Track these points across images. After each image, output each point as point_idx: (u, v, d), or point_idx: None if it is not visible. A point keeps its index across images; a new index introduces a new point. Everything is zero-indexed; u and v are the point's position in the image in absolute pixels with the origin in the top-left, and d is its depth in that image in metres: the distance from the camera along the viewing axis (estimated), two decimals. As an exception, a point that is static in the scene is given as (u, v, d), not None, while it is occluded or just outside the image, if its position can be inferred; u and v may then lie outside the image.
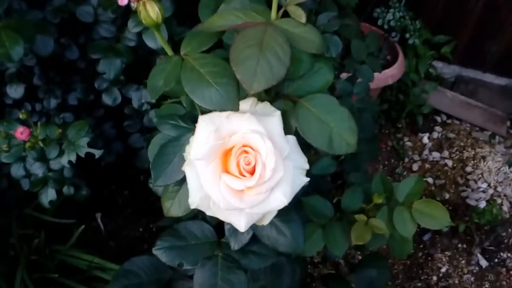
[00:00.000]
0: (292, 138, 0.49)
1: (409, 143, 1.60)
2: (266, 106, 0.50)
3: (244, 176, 0.46)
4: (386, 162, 1.55)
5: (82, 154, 0.77)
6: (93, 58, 0.88)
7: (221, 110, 0.46)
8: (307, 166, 0.49)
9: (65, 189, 0.85)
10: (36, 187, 0.81)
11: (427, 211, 0.63)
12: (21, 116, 0.75)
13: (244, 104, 0.50)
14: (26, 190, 0.86)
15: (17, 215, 1.04)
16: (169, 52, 0.50)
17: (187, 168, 0.48)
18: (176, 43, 0.50)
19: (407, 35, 1.29)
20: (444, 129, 1.66)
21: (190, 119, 0.55)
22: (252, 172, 0.46)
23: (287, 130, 0.49)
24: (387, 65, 1.39)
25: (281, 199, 0.46)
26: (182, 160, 0.51)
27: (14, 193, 0.99)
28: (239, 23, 0.45)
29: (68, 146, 0.77)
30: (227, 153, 0.48)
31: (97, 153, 0.77)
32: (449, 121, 1.69)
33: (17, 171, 0.83)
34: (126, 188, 1.31)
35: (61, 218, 1.05)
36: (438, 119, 1.69)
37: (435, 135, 1.64)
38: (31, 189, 0.83)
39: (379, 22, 1.30)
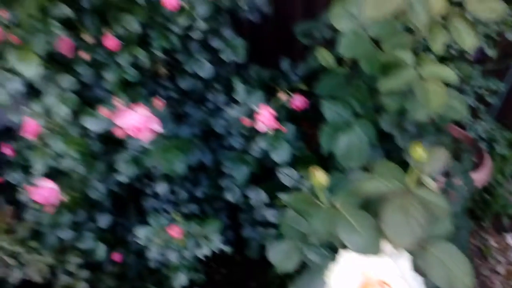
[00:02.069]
0: (418, 278, 0.63)
1: (493, 243, 1.64)
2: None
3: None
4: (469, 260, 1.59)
5: (215, 250, 0.95)
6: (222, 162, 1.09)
7: (362, 254, 0.62)
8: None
9: (192, 275, 1.03)
10: (172, 272, 0.99)
11: None
12: (173, 216, 0.95)
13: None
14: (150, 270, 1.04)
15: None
16: (324, 200, 0.67)
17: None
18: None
19: (495, 145, 1.40)
20: (531, 231, 1.69)
21: (329, 247, 0.71)
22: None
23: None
24: (473, 167, 1.49)
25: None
26: (322, 281, 0.67)
27: (137, 269, 1.19)
28: (384, 190, 0.62)
29: (204, 241, 0.96)
30: (365, 286, 0.62)
31: (228, 250, 0.95)
32: (536, 222, 1.72)
33: (153, 255, 1.03)
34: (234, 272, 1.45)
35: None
36: (525, 220, 1.72)
37: (521, 236, 1.67)
38: (166, 273, 1.01)
39: (468, 129, 1.43)
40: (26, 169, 1.16)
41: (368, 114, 0.98)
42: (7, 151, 1.17)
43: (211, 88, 1.10)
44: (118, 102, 0.82)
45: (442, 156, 0.61)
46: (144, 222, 1.18)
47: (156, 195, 1.15)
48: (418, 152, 0.58)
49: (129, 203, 1.19)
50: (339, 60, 1.08)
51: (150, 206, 1.16)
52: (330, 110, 0.96)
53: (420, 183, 0.62)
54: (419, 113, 0.88)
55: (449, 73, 0.82)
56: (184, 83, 1.04)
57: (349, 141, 0.91)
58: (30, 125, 0.84)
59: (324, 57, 1.05)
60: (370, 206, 0.63)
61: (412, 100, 0.87)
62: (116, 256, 1.13)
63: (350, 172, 0.93)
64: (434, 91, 0.79)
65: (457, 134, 1.63)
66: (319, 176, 0.62)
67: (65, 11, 0.83)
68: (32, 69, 0.79)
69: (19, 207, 1.12)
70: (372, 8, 0.71)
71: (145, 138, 0.82)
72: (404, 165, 0.99)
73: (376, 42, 0.91)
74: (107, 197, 1.05)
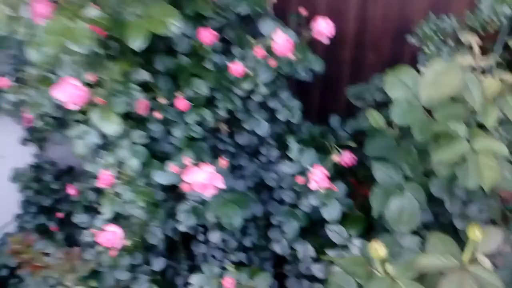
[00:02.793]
0: None
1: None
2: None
3: None
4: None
5: (264, 301, 1.00)
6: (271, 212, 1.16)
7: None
8: None
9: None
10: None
11: None
12: (227, 266, 1.01)
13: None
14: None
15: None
16: (380, 270, 0.71)
17: None
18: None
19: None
20: None
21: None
22: None
23: None
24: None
25: None
26: None
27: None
28: (440, 265, 0.66)
29: (254, 292, 1.01)
30: None
31: (277, 302, 0.99)
32: None
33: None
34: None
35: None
36: None
37: None
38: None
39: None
40: (87, 209, 1.27)
41: (418, 177, 1.03)
42: (71, 191, 1.28)
43: (264, 143, 1.18)
44: (187, 159, 0.91)
45: (497, 236, 0.65)
46: (193, 267, 1.25)
47: (206, 242, 1.22)
48: (474, 232, 0.63)
49: (180, 248, 1.27)
50: (389, 122, 1.14)
51: (200, 252, 1.23)
52: (381, 172, 1.01)
53: (474, 260, 0.66)
54: (470, 181, 0.92)
55: (501, 147, 0.85)
56: (241, 139, 1.13)
57: (401, 205, 0.95)
58: (105, 175, 0.94)
59: (375, 119, 1.11)
60: (426, 279, 0.68)
61: (463, 168, 0.91)
62: (165, 299, 1.19)
63: (400, 235, 0.97)
64: (487, 165, 0.83)
65: (504, 194, 1.63)
66: (379, 249, 0.67)
67: (144, 76, 0.94)
68: (112, 127, 0.89)
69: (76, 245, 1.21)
70: (430, 89, 0.77)
71: (209, 193, 0.90)
72: (454, 229, 1.02)
73: (429, 111, 0.96)
74: (162, 242, 1.13)
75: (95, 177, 1.22)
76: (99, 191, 1.26)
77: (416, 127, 0.94)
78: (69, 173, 1.46)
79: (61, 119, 1.09)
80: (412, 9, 1.46)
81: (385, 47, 1.59)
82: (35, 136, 1.34)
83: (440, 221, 1.07)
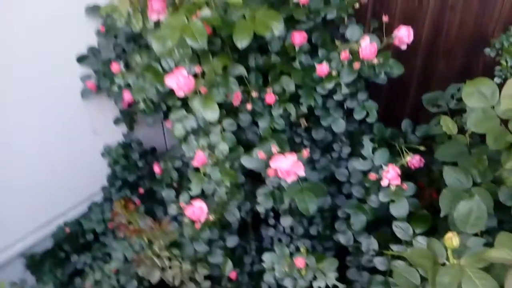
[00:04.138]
0: None
1: None
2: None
3: None
4: None
5: (330, 284, 1.11)
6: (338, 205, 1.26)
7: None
8: None
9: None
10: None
11: None
12: (302, 250, 1.12)
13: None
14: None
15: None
16: (451, 259, 0.80)
17: None
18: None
19: None
20: None
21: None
22: None
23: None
24: None
25: None
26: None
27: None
28: (507, 258, 0.74)
29: (321, 275, 1.12)
30: None
31: (342, 287, 1.10)
32: None
33: (270, 279, 1.21)
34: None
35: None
36: None
37: None
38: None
39: None
40: (168, 186, 1.44)
41: (487, 184, 1.10)
42: (156, 169, 1.45)
43: (337, 140, 1.29)
44: (274, 147, 1.03)
45: None
46: (261, 248, 1.38)
47: (275, 226, 1.35)
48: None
49: (250, 229, 1.40)
50: (460, 129, 1.21)
51: (269, 235, 1.36)
52: (451, 176, 1.09)
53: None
54: (540, 191, 0.98)
55: None
56: (317, 134, 1.24)
57: (469, 208, 1.03)
58: (200, 156, 1.08)
59: (447, 125, 1.19)
60: (493, 271, 0.76)
61: (534, 178, 0.98)
62: (233, 274, 1.33)
63: (465, 236, 1.05)
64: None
65: None
66: (453, 238, 0.76)
67: (241, 71, 1.07)
68: (212, 114, 1.03)
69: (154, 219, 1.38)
70: (509, 102, 0.85)
71: (290, 180, 1.02)
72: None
73: (505, 121, 1.03)
74: (237, 222, 1.26)
75: (179, 158, 1.39)
76: (180, 171, 1.43)
77: (491, 136, 1.01)
78: (152, 153, 1.64)
79: (160, 104, 1.25)
80: (489, 21, 1.51)
81: (458, 56, 1.64)
82: (127, 117, 1.52)
83: (504, 228, 1.13)
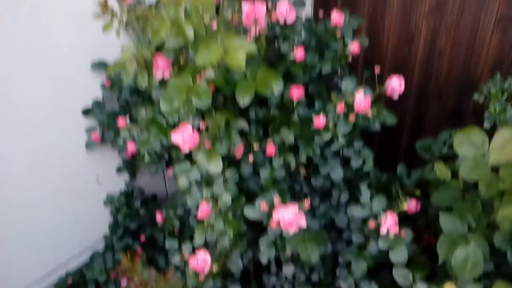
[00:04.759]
0: None
1: None
2: None
3: None
4: None
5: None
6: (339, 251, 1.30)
7: None
8: None
9: None
10: None
11: None
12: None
13: None
14: None
15: None
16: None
17: None
18: None
19: None
20: None
21: None
22: None
23: None
24: None
25: None
26: None
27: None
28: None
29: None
30: None
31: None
32: None
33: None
34: None
35: None
36: None
37: None
38: None
39: None
40: (170, 234, 1.47)
41: (482, 229, 1.14)
42: (158, 218, 1.48)
43: (336, 186, 1.34)
44: (276, 198, 1.08)
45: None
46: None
47: (277, 274, 1.37)
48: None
49: (252, 277, 1.43)
50: (454, 174, 1.27)
51: (271, 283, 1.38)
52: (447, 223, 1.14)
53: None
54: (533, 237, 1.03)
55: None
56: (316, 182, 1.29)
57: (465, 254, 1.07)
58: (204, 208, 1.13)
59: (441, 171, 1.25)
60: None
61: (526, 224, 1.02)
62: (236, 323, 1.34)
63: (463, 281, 1.08)
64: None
65: None
66: (451, 289, 0.80)
67: (243, 124, 1.13)
68: (216, 167, 1.08)
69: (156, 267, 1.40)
70: (498, 154, 0.91)
71: (292, 230, 1.06)
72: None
73: (496, 168, 1.09)
74: (240, 270, 1.29)
75: (181, 205, 1.42)
76: (182, 219, 1.47)
77: (483, 183, 1.07)
78: (153, 200, 1.68)
79: (163, 155, 1.30)
80: (476, 66, 1.60)
81: (449, 99, 1.73)
82: (130, 166, 1.56)
83: (501, 272, 1.17)
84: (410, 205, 1.31)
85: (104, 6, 1.03)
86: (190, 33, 0.91)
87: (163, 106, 0.99)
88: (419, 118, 1.84)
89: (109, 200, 1.57)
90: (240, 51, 0.89)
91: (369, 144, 1.32)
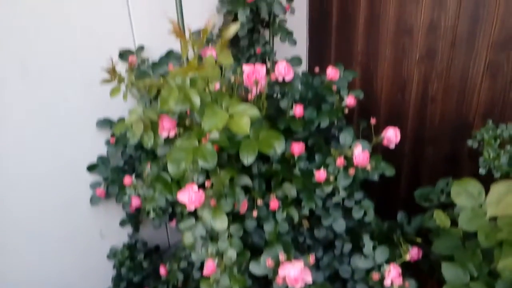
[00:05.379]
0: None
1: None
2: None
3: None
4: None
5: None
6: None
7: None
8: None
9: None
10: None
11: None
12: None
13: None
14: None
15: None
16: None
17: None
18: None
19: None
20: None
21: None
22: None
23: None
24: None
25: None
26: None
27: None
28: None
29: None
30: None
31: None
32: None
33: None
34: None
35: None
36: None
37: None
38: None
39: None
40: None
41: (484, 277, 1.17)
42: (162, 271, 1.50)
43: (338, 237, 1.37)
44: (281, 255, 1.11)
45: None
46: None
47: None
48: None
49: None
50: (454, 221, 1.30)
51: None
52: (449, 272, 1.17)
53: None
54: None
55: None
56: (319, 233, 1.32)
57: (469, 304, 1.10)
58: (210, 265, 1.15)
59: (441, 219, 1.28)
60: None
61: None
62: None
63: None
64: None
65: None
66: None
67: (247, 181, 1.17)
68: (222, 224, 1.11)
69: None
70: (494, 209, 0.95)
71: (298, 286, 1.08)
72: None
73: (495, 217, 1.13)
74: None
75: (184, 258, 1.44)
76: (185, 271, 1.48)
77: (482, 233, 1.11)
78: (156, 251, 1.69)
79: (167, 209, 1.33)
80: (469, 110, 1.66)
81: (444, 143, 1.78)
82: (133, 219, 1.59)
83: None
84: (412, 252, 1.33)
85: (113, 73, 1.08)
86: (196, 100, 0.96)
87: (171, 169, 1.03)
88: (416, 162, 1.89)
89: (113, 254, 1.58)
90: (244, 117, 0.94)
91: (367, 189, 1.36)
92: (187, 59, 1.06)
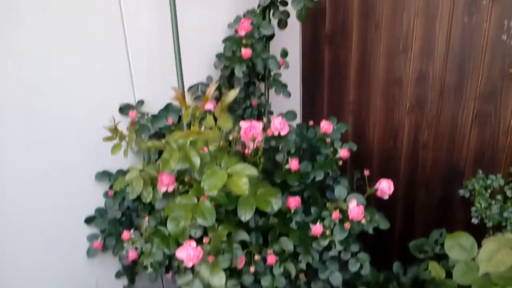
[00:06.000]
0: None
1: None
2: None
3: None
4: None
5: None
6: None
7: None
8: None
9: None
10: None
11: None
12: None
13: None
14: None
15: None
16: None
17: None
18: None
19: None
20: None
21: None
22: None
23: None
24: None
25: None
26: None
27: None
28: None
29: None
30: None
31: None
32: None
33: None
34: None
35: None
36: None
37: None
38: None
39: None
40: None
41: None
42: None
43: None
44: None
45: None
46: None
47: None
48: None
49: None
50: (449, 272, 1.33)
51: None
52: (447, 326, 1.18)
53: None
54: None
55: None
56: (316, 286, 1.34)
57: None
58: (208, 321, 1.16)
59: (436, 270, 1.31)
60: None
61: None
62: None
63: None
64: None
65: None
66: None
67: (244, 236, 1.20)
68: (219, 280, 1.13)
69: None
70: (486, 266, 0.98)
71: None
72: None
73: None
74: None
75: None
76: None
77: (476, 287, 1.13)
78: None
79: (164, 263, 1.34)
80: (460, 157, 1.71)
81: (436, 188, 1.82)
82: (129, 271, 1.59)
83: None
84: (409, 304, 1.35)
85: (114, 131, 1.12)
86: (196, 160, 1.00)
87: (170, 227, 1.05)
88: (409, 207, 1.92)
89: (108, 306, 1.58)
90: (242, 177, 0.98)
91: (362, 235, 1.38)
92: (189, 125, 1.11)
